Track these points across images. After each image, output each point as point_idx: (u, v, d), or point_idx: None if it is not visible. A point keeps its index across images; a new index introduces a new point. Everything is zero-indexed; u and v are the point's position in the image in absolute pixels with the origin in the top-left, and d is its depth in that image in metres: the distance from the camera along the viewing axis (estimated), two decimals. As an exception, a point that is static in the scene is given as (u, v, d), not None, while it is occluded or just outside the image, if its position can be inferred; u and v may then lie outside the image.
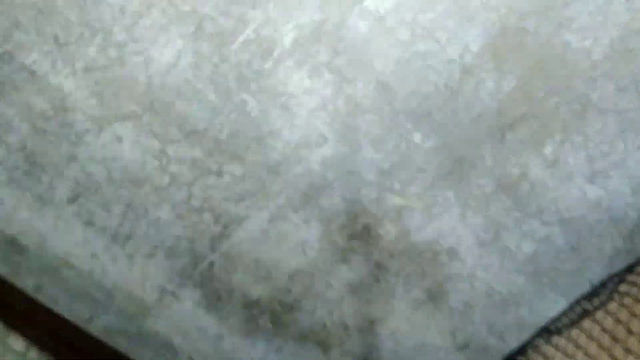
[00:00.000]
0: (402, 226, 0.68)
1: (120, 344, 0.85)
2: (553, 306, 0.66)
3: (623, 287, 0.61)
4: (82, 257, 0.74)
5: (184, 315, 0.78)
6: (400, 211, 0.68)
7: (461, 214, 0.67)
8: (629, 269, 0.62)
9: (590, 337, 0.60)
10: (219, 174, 0.68)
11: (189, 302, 0.76)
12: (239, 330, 0.78)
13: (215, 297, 0.75)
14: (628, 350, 0.53)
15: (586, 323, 0.61)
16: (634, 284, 0.60)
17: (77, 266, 0.75)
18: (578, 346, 0.62)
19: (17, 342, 0.86)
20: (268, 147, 0.65)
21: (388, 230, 0.68)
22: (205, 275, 0.74)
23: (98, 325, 0.82)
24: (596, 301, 0.62)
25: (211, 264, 0.73)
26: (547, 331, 0.64)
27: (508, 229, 0.67)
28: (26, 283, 0.78)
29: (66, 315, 0.81)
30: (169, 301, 0.77)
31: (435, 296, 0.71)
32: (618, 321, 0.57)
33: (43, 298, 0.80)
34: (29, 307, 0.83)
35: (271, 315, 0.76)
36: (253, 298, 0.75)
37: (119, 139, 0.67)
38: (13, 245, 0.74)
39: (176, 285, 0.74)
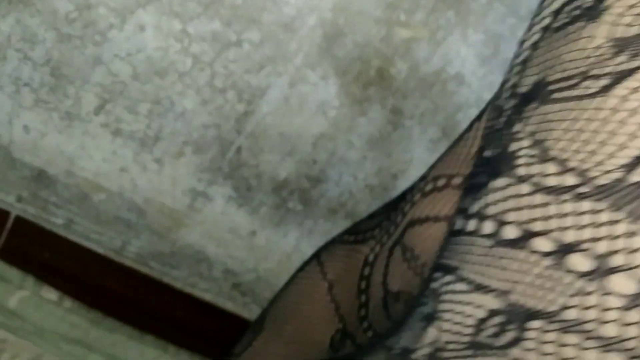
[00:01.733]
0: (412, 60, 0.71)
1: (154, 268, 0.80)
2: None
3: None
4: (112, 175, 0.74)
5: (216, 218, 0.75)
6: (408, 44, 0.72)
7: (462, 34, 0.71)
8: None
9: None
10: (239, 43, 0.72)
11: (219, 200, 0.74)
12: (271, 222, 0.75)
13: (245, 187, 0.73)
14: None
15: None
16: None
17: (107, 187, 0.74)
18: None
19: (50, 293, 0.81)
20: (282, 3, 0.71)
21: (399, 69, 0.71)
22: (234, 163, 0.73)
23: (131, 253, 0.78)
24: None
25: (238, 150, 0.72)
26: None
27: (505, 38, 0.71)
28: (56, 221, 0.77)
29: (97, 249, 0.78)
30: (201, 204, 0.75)
31: (448, 131, 0.73)
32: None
33: (74, 235, 0.78)
34: (60, 252, 0.80)
35: (300, 194, 0.73)
36: (281, 178, 0.73)
37: (142, 28, 0.71)
38: (41, 179, 0.75)
39: (206, 183, 0.72)
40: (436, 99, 0.72)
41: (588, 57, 0.32)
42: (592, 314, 0.29)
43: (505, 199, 0.33)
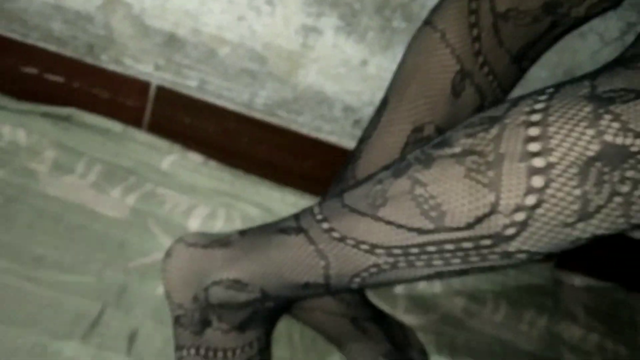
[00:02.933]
0: None
1: (282, 117, 0.87)
2: None
3: None
4: (231, 25, 0.78)
5: (328, 53, 0.79)
6: None
7: None
8: None
9: None
10: None
11: (329, 32, 0.78)
12: (379, 46, 0.77)
13: (350, 13, 0.76)
14: None
15: None
16: None
17: (229, 39, 0.79)
18: None
19: (195, 156, 0.91)
20: None
21: None
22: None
23: (259, 105, 0.86)
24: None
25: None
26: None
27: None
28: (191, 84, 0.86)
29: (229, 105, 0.87)
30: (313, 40, 0.79)
31: None
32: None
33: (208, 95, 0.87)
34: (198, 115, 0.89)
35: (402, 11, 0.76)
36: (381, -5, 0.76)
37: None
38: (172, 42, 0.81)
39: (315, 17, 0.77)
40: None
41: None
42: None
43: None
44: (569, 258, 0.98)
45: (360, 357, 0.74)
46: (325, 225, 0.48)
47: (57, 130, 0.86)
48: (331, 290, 0.51)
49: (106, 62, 0.84)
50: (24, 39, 0.83)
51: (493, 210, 0.39)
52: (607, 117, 0.37)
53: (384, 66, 0.80)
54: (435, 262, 0.44)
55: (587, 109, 0.37)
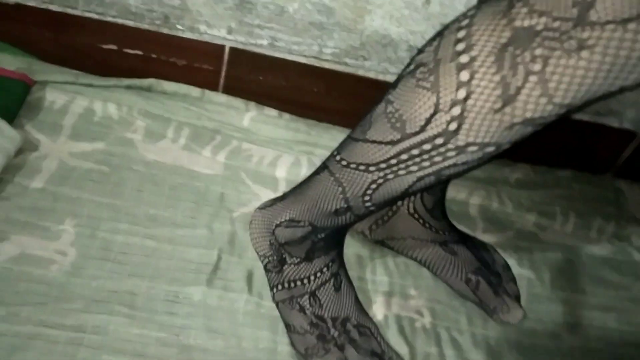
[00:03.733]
0: None
1: (349, 64, 0.93)
2: None
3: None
4: None
5: None
6: None
7: None
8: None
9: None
10: None
11: None
12: None
13: None
14: None
15: None
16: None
17: None
18: None
19: (271, 111, 0.98)
20: None
21: None
22: None
23: (327, 55, 0.91)
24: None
25: None
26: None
27: None
28: (262, 42, 0.91)
29: (299, 59, 0.92)
30: None
31: None
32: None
33: (278, 52, 0.92)
34: (271, 71, 0.94)
35: None
36: None
37: None
38: (243, 4, 0.81)
39: None
40: None
41: None
42: None
43: None
44: (628, 168, 1.04)
45: (452, 275, 0.81)
46: (337, 157, 0.57)
47: (143, 101, 0.92)
48: (355, 213, 0.59)
49: (182, 31, 0.89)
50: (103, 17, 0.88)
51: (436, 109, 0.46)
52: (519, 4, 0.41)
53: (446, 3, 0.84)
54: (412, 168, 0.51)
55: (505, 3, 0.42)
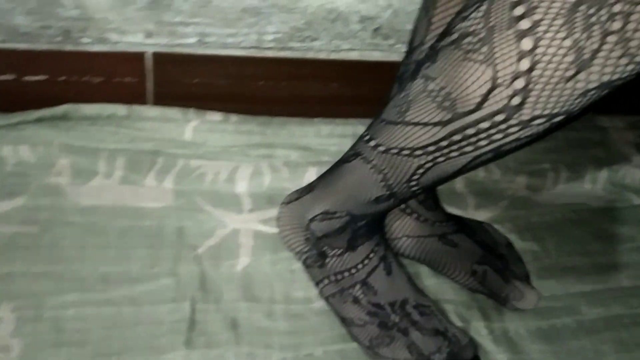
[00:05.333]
0: None
1: (296, 48, 0.80)
2: None
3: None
4: None
5: None
6: None
7: None
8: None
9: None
10: None
11: None
12: None
13: None
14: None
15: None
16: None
17: None
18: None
19: (214, 115, 0.84)
20: None
21: None
22: None
23: (269, 42, 0.78)
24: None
25: None
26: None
27: None
28: (189, 41, 0.77)
29: (237, 52, 0.79)
30: None
31: None
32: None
33: (210, 49, 0.79)
34: (205, 71, 0.82)
35: None
36: None
37: None
38: (158, 1, 0.74)
39: None
40: None
41: None
42: None
43: None
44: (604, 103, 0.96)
45: (455, 270, 0.74)
46: (372, 143, 0.52)
47: (61, 133, 0.77)
48: (400, 198, 0.55)
49: (89, 44, 0.74)
50: (-12, 45, 0.72)
51: (494, 84, 0.40)
52: None
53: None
54: (467, 149, 0.46)
55: None
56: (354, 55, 0.80)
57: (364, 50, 0.80)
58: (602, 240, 0.82)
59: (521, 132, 0.43)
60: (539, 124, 0.42)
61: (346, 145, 0.83)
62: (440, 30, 0.60)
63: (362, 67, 0.81)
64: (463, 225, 0.76)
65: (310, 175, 0.80)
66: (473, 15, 0.41)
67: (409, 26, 0.79)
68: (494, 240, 0.78)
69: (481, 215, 0.81)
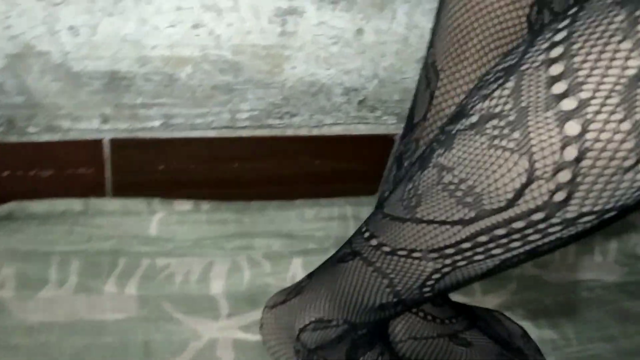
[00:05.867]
0: None
1: (274, 125, 0.71)
2: None
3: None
4: (187, 38, 0.62)
5: (314, 33, 0.63)
6: None
7: None
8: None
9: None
10: None
11: (310, 8, 0.62)
12: (373, 7, 0.65)
13: None
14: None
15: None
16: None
17: (188, 56, 0.63)
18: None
19: (183, 204, 0.74)
20: None
21: None
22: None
23: (244, 121, 0.69)
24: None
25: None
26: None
27: None
28: (153, 124, 0.68)
29: (207, 134, 0.70)
30: (293, 25, 0.60)
31: None
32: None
33: (177, 131, 0.70)
34: (172, 156, 0.72)
35: None
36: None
37: None
38: (115, 82, 0.64)
39: None
40: None
41: None
42: None
43: None
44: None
45: (471, 372, 0.64)
46: (374, 242, 0.46)
47: (3, 238, 0.66)
48: (410, 305, 0.50)
49: (36, 134, 0.64)
50: None
51: (531, 177, 0.34)
52: None
53: (382, 29, 0.65)
54: (495, 252, 0.40)
55: (620, 17, 0.29)
56: (337, 130, 0.72)
57: (349, 124, 0.72)
58: (621, 322, 0.74)
59: (564, 232, 0.37)
60: (586, 222, 0.36)
61: (333, 228, 0.75)
62: (445, 105, 0.52)
63: (347, 141, 0.73)
64: (475, 318, 0.67)
65: (296, 267, 0.70)
66: (497, 93, 0.35)
67: (397, 97, 0.71)
68: (508, 331, 0.69)
69: (490, 302, 0.73)
